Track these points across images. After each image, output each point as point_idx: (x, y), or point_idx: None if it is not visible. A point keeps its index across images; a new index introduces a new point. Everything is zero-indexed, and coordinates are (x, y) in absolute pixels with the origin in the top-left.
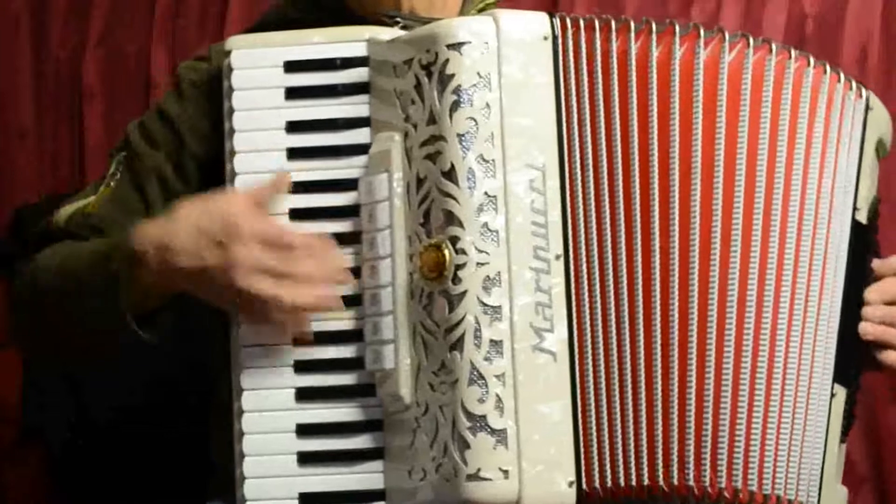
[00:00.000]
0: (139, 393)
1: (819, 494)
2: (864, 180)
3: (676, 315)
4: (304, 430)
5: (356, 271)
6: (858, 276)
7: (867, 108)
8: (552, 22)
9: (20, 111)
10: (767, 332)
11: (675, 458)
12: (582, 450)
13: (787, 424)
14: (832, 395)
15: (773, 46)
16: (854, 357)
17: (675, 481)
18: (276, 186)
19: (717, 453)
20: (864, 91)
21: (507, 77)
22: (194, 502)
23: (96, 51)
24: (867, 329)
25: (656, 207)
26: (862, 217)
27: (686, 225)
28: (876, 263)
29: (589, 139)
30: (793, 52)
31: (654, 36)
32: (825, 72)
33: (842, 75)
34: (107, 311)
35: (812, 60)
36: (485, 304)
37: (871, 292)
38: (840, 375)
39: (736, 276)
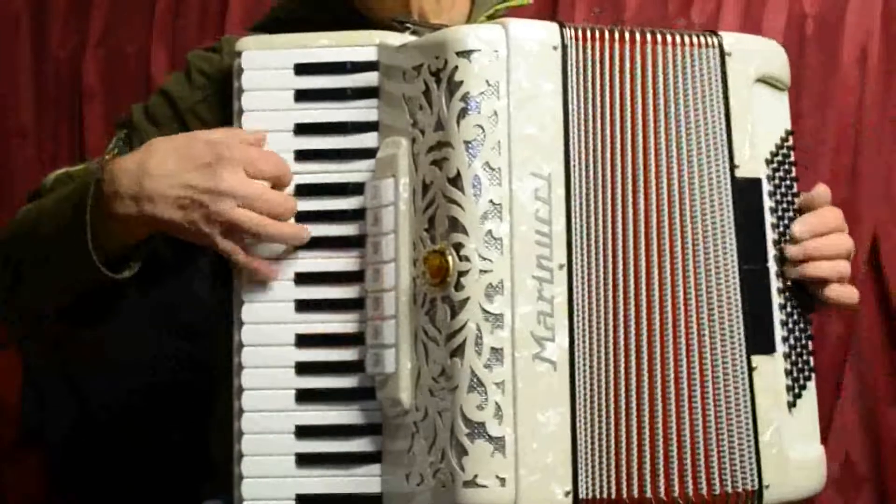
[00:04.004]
0: (139, 393)
1: (759, 473)
2: (738, 133)
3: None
4: (303, 432)
5: (359, 275)
6: (754, 235)
7: (722, 55)
8: (562, 32)
9: (20, 111)
10: (681, 331)
11: (635, 468)
12: (579, 459)
13: (710, 420)
14: (751, 370)
15: (627, 33)
16: (770, 320)
17: (636, 493)
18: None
19: (669, 462)
20: (715, 39)
21: (516, 85)
22: (193, 502)
23: (96, 51)
24: (795, 270)
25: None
26: (748, 171)
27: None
28: (803, 196)
29: (595, 150)
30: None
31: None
32: (666, 40)
33: (681, 35)
34: (71, 249)
35: (659, 35)
36: (487, 312)
37: (797, 225)
38: (757, 346)
39: (656, 279)
